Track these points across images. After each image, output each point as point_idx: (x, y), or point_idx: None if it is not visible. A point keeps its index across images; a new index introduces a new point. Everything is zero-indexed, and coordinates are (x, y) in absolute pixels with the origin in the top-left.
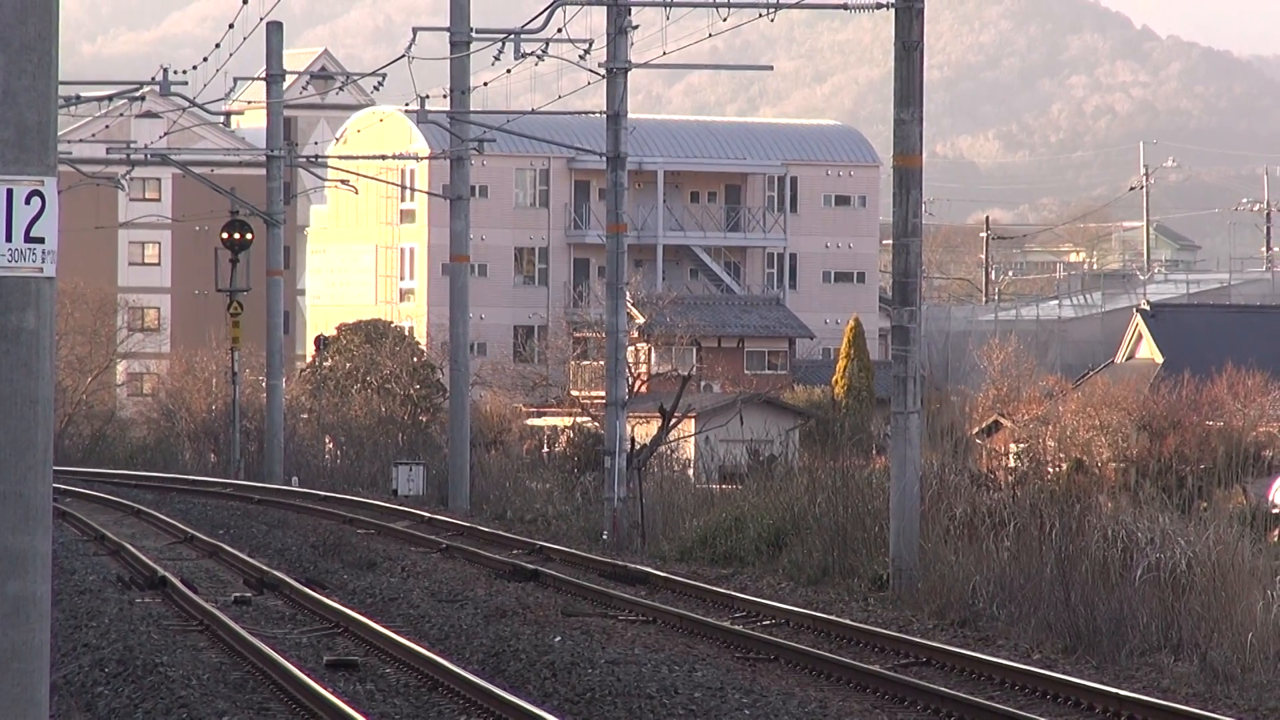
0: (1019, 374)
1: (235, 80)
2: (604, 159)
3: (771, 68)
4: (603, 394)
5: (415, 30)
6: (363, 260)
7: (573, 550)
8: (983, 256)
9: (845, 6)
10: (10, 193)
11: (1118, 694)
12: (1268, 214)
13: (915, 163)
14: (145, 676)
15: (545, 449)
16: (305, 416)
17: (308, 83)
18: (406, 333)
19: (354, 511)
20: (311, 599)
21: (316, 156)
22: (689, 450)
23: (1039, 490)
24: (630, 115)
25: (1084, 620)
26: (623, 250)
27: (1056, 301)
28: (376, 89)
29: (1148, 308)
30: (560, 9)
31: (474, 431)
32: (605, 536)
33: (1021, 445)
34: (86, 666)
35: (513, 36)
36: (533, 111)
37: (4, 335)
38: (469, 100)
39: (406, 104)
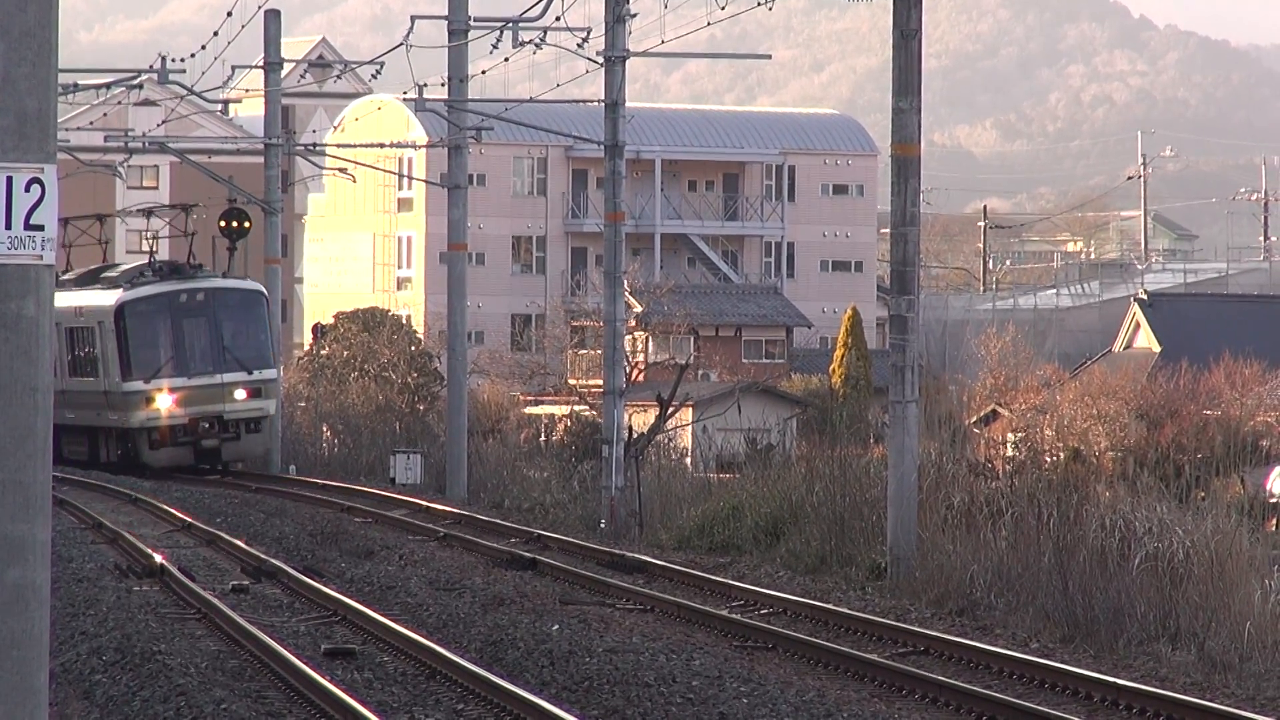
0: (1016, 363)
1: (233, 68)
2: (602, 147)
3: (769, 56)
4: (600, 382)
5: (413, 18)
6: (360, 248)
7: (570, 539)
8: (980, 246)
9: None
10: (10, 180)
11: (1115, 683)
12: (1265, 203)
13: (913, 152)
14: (143, 664)
15: (543, 438)
16: (303, 405)
17: (306, 71)
18: (404, 321)
19: (351, 500)
20: (309, 587)
21: (314, 145)
22: (686, 439)
23: (1036, 479)
24: (628, 104)
25: (1082, 609)
26: (620, 239)
27: (1054, 291)
28: (374, 77)
29: (1145, 297)
30: None
31: (472, 420)
32: (603, 525)
33: (1019, 434)
34: (84, 654)
35: (511, 25)
36: (530, 100)
37: (3, 322)
38: (467, 88)
39: (404, 92)
